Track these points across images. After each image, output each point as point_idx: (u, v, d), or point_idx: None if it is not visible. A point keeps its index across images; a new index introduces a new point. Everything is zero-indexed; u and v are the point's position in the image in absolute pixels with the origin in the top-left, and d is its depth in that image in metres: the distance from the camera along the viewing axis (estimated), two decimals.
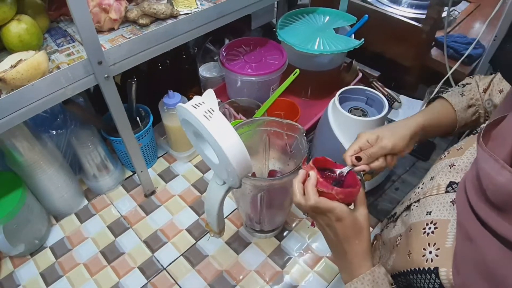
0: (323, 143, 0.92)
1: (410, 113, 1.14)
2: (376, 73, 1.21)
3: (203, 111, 0.52)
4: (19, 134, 0.72)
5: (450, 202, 0.49)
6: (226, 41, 1.26)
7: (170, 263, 0.81)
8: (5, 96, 0.57)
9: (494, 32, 0.88)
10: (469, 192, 0.44)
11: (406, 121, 0.67)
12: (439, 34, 1.24)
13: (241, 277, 0.78)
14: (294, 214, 0.89)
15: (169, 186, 0.97)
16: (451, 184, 0.52)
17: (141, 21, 0.75)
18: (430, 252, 0.46)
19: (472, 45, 0.98)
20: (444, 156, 0.61)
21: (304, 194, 0.54)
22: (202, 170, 1.00)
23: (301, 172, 0.55)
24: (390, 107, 1.16)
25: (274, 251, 0.83)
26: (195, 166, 1.01)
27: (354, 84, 1.17)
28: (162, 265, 0.80)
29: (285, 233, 0.86)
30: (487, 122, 0.53)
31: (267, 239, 0.85)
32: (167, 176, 0.99)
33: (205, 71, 1.20)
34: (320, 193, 0.53)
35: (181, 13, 0.78)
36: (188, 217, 0.89)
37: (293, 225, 0.87)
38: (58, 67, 0.65)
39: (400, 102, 1.15)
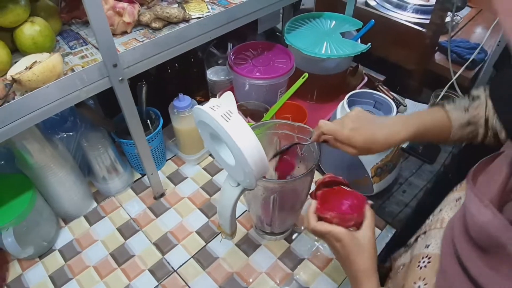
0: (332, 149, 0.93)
1: None
2: (381, 77, 1.22)
3: (221, 113, 0.52)
4: (30, 136, 0.72)
5: None
6: (230, 45, 1.27)
7: (181, 265, 0.81)
8: (19, 97, 0.58)
9: (497, 38, 0.89)
10: (455, 229, 0.44)
11: (406, 122, 0.62)
12: (442, 39, 1.25)
13: (251, 279, 0.78)
14: (304, 216, 0.90)
15: (178, 188, 0.97)
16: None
17: (153, 24, 0.75)
18: (419, 287, 0.47)
19: (477, 51, 0.99)
20: (456, 189, 0.60)
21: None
22: (211, 172, 1.01)
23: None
24: (396, 111, 1.17)
25: (284, 253, 0.83)
26: (204, 168, 1.02)
27: (360, 88, 1.18)
28: (172, 267, 0.81)
29: (294, 236, 0.86)
30: (480, 160, 0.51)
31: (277, 241, 0.85)
32: (176, 178, 0.99)
33: (213, 74, 1.21)
34: (324, 218, 0.58)
35: (193, 17, 0.79)
36: (198, 219, 0.90)
37: (302, 227, 0.88)
38: (72, 70, 0.66)
39: (405, 106, 1.16)
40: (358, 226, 0.57)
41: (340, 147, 0.64)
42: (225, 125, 0.51)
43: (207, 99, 1.18)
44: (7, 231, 0.72)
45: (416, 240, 0.59)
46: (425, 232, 0.56)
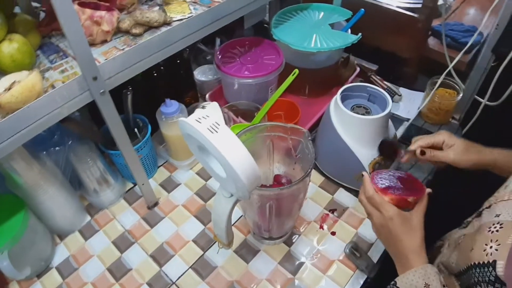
0: (327, 144, 0.91)
1: (411, 105, 1.14)
2: (374, 67, 1.19)
3: (207, 126, 0.50)
4: (17, 156, 0.70)
5: None
6: (218, 40, 1.23)
7: (179, 277, 0.79)
8: (1, 121, 0.55)
9: (495, 20, 0.86)
10: None
11: (483, 149, 0.70)
12: (435, 23, 1.22)
13: (252, 287, 0.77)
14: (302, 218, 0.88)
15: (171, 196, 0.94)
16: None
17: (134, 30, 0.72)
18: (491, 247, 0.47)
19: (476, 34, 0.95)
20: None
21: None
22: (205, 177, 0.98)
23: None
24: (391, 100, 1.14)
25: (284, 258, 0.81)
26: (197, 173, 0.99)
27: (352, 79, 1.15)
28: (171, 279, 0.79)
29: (294, 238, 0.84)
30: None
31: (276, 245, 0.83)
32: (169, 186, 0.97)
33: (200, 74, 1.17)
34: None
35: (174, 19, 0.75)
36: (194, 227, 0.87)
37: (302, 229, 0.86)
38: (53, 86, 0.63)
39: (400, 95, 1.13)
40: (412, 207, 0.61)
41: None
42: (212, 139, 0.49)
43: (196, 100, 1.15)
44: (1, 254, 0.69)
45: (478, 216, 0.60)
46: (489, 207, 0.56)
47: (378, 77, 1.15)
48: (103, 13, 0.67)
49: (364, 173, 0.66)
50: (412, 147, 0.74)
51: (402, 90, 1.16)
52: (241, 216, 0.89)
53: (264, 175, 0.83)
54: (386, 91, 1.07)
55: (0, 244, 0.68)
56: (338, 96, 0.85)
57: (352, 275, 0.78)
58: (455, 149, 0.71)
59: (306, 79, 1.11)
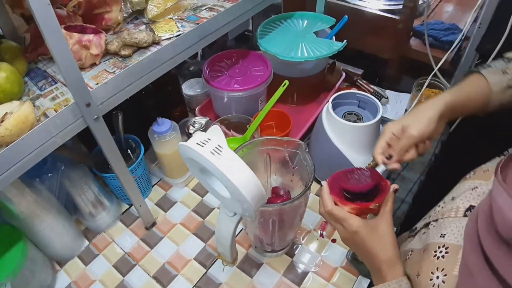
0: (321, 152, 0.91)
1: (399, 107, 1.16)
2: (359, 71, 1.21)
3: (210, 149, 0.50)
4: (10, 186, 0.68)
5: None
6: (200, 51, 1.23)
7: None
8: None
9: (478, 19, 0.88)
10: (480, 223, 0.43)
11: (433, 101, 0.61)
12: (415, 23, 1.25)
13: None
14: (302, 227, 0.88)
15: (169, 215, 0.93)
16: (470, 208, 0.51)
17: (123, 52, 0.71)
18: (438, 278, 0.46)
19: (460, 36, 0.96)
20: (469, 177, 0.59)
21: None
22: (201, 193, 0.97)
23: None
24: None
25: (287, 269, 0.81)
26: (193, 190, 0.99)
27: (339, 85, 1.17)
28: None
29: (295, 248, 0.85)
30: (509, 152, 0.52)
31: (279, 257, 0.83)
32: (165, 204, 0.96)
33: (188, 88, 1.17)
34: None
35: (163, 38, 0.75)
36: (194, 245, 0.87)
37: (302, 238, 0.86)
38: (45, 114, 0.61)
39: (387, 98, 1.15)
40: (377, 212, 0.55)
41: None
42: (217, 162, 0.49)
43: (185, 115, 1.14)
44: (5, 287, 0.67)
45: (426, 226, 0.58)
46: (436, 220, 0.55)
47: (364, 81, 1.17)
48: (91, 36, 0.66)
49: (323, 183, 0.59)
50: (378, 161, 0.63)
51: (388, 93, 1.18)
52: (241, 229, 0.89)
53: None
54: (373, 95, 1.09)
55: (3, 276, 0.67)
56: (329, 104, 0.86)
57: (355, 280, 0.78)
58: (409, 125, 0.60)
59: (294, 87, 1.11)
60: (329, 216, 0.57)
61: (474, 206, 0.50)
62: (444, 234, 0.50)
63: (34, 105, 0.63)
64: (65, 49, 0.53)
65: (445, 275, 0.45)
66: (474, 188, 0.53)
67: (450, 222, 0.51)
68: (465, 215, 0.50)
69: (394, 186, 0.57)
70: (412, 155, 0.61)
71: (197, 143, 0.51)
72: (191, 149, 0.50)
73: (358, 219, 0.54)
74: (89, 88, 0.61)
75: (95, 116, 0.63)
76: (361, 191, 0.57)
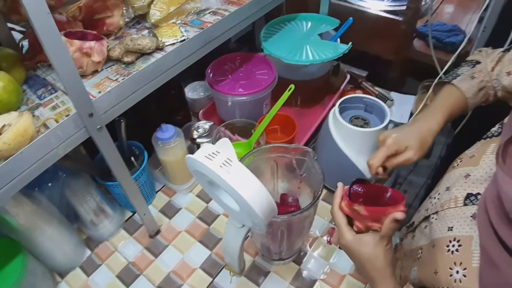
0: (328, 157, 0.90)
1: (404, 110, 1.14)
2: (364, 73, 1.19)
3: (219, 163, 0.48)
4: (11, 200, 0.66)
5: (471, 216, 0.48)
6: None
7: None
8: None
9: (482, 21, 0.86)
10: (491, 212, 0.43)
11: (430, 126, 0.65)
12: (418, 24, 1.23)
13: None
14: (309, 233, 0.87)
15: (173, 222, 0.92)
16: (468, 196, 0.51)
17: (125, 59, 0.69)
18: (458, 272, 0.45)
19: (466, 40, 0.94)
20: (457, 165, 0.59)
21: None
22: (206, 200, 0.96)
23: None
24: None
25: (295, 277, 0.80)
26: (198, 196, 0.97)
27: (343, 87, 1.15)
28: None
29: (302, 256, 0.83)
30: (503, 138, 0.51)
31: (286, 265, 0.82)
32: (169, 211, 0.94)
33: (191, 92, 1.15)
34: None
35: (167, 44, 0.73)
36: (200, 253, 0.85)
37: (309, 245, 0.85)
38: (45, 125, 0.59)
39: (392, 100, 1.14)
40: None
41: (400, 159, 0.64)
42: (226, 177, 0.47)
43: (188, 119, 1.12)
44: None
45: (425, 220, 0.58)
46: (436, 212, 0.54)
47: (369, 83, 1.15)
48: (92, 43, 0.64)
49: (338, 184, 0.59)
50: (372, 172, 0.64)
51: (393, 95, 1.16)
52: (248, 236, 0.87)
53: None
54: (379, 97, 1.07)
55: None
56: (336, 109, 0.84)
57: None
58: (412, 148, 0.63)
59: (298, 90, 1.09)
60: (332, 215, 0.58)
61: (471, 194, 0.50)
62: (451, 227, 0.49)
63: (33, 115, 0.61)
64: (66, 59, 0.52)
65: (465, 268, 0.45)
66: (467, 175, 0.53)
67: (452, 213, 0.51)
68: (465, 204, 0.50)
69: (396, 215, 0.51)
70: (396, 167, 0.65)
71: (205, 156, 0.49)
72: (200, 163, 0.49)
73: (351, 233, 0.55)
74: (91, 97, 0.59)
75: (98, 126, 0.61)
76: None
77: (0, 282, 0.66)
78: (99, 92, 0.63)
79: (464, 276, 0.44)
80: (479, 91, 0.68)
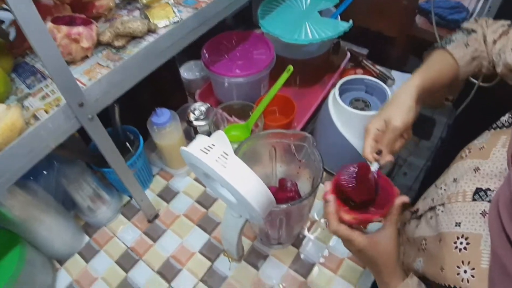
0: (327, 139, 0.88)
1: None
2: (364, 51, 1.16)
3: (215, 157, 0.46)
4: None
5: (480, 213, 0.47)
6: None
7: None
8: None
9: (488, 2, 0.83)
10: (504, 218, 0.41)
11: (405, 88, 0.61)
12: (421, 0, 1.19)
13: None
14: (308, 217, 0.87)
15: (171, 206, 0.91)
16: (478, 191, 0.49)
17: (116, 43, 0.66)
18: (465, 272, 0.45)
19: (472, 19, 0.91)
20: (466, 156, 0.57)
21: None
22: (203, 183, 0.95)
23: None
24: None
25: (294, 261, 0.80)
26: (195, 179, 0.96)
27: (343, 66, 1.12)
28: None
29: (301, 239, 0.83)
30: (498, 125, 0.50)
31: (285, 249, 0.82)
32: (167, 195, 0.93)
33: (187, 71, 1.12)
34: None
35: (159, 26, 0.70)
36: (199, 237, 0.85)
37: (308, 229, 0.85)
38: (35, 116, 0.57)
39: (393, 79, 1.11)
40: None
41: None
42: (222, 172, 0.45)
43: (185, 101, 1.10)
44: None
45: (431, 210, 0.57)
46: (443, 204, 0.54)
47: (370, 61, 1.12)
48: (80, 29, 0.61)
49: (329, 197, 0.54)
50: (370, 160, 0.59)
51: (395, 73, 1.13)
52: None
53: (267, 179, 0.81)
54: (379, 76, 1.05)
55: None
56: (336, 91, 0.82)
57: (362, 271, 0.78)
58: (391, 118, 0.59)
59: (297, 70, 1.05)
60: (336, 234, 0.54)
61: (481, 189, 0.49)
62: (459, 223, 0.48)
63: (22, 106, 0.59)
64: (53, 50, 0.49)
65: (473, 268, 0.44)
66: (476, 169, 0.52)
67: (460, 208, 0.50)
68: (474, 199, 0.49)
69: (403, 199, 0.52)
70: (401, 144, 0.61)
71: (201, 150, 0.47)
72: (194, 157, 0.47)
73: (361, 239, 0.52)
74: (81, 86, 0.57)
75: (90, 116, 0.59)
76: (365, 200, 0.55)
77: None
78: (90, 79, 0.60)
79: (472, 276, 0.43)
80: (473, 60, 0.65)
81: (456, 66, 0.64)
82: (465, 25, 0.69)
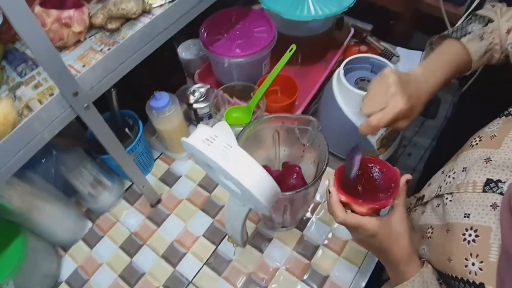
0: (331, 121, 0.86)
1: (410, 66, 1.06)
2: (368, 27, 1.11)
3: (219, 149, 0.45)
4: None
5: (490, 206, 0.46)
6: None
7: (195, 275, 0.78)
8: None
9: None
10: None
11: (430, 85, 0.59)
12: None
13: (270, 277, 0.76)
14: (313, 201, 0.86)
15: (174, 190, 0.90)
16: (488, 182, 0.48)
17: (109, 26, 0.63)
18: (473, 264, 0.44)
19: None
20: (476, 144, 0.55)
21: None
22: (206, 172, 0.94)
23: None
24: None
25: (298, 243, 0.80)
26: (197, 163, 0.94)
27: (347, 42, 1.08)
28: (187, 279, 0.77)
29: (305, 221, 0.83)
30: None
31: (289, 231, 0.82)
32: (169, 179, 0.92)
33: (185, 51, 1.08)
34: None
35: (154, 6, 0.66)
36: (202, 221, 0.85)
37: (312, 211, 0.84)
38: (28, 107, 0.55)
39: (398, 56, 1.07)
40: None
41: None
42: (226, 165, 0.44)
43: (184, 82, 1.07)
44: (7, 285, 0.66)
45: (438, 197, 0.56)
46: (451, 193, 0.52)
47: (374, 38, 1.08)
48: (71, 12, 0.57)
49: (331, 188, 0.54)
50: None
51: (400, 50, 1.09)
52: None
53: (271, 163, 0.79)
54: (384, 53, 1.01)
55: (4, 275, 0.65)
56: (341, 71, 0.79)
57: (367, 253, 0.78)
58: (415, 109, 0.57)
59: (299, 47, 1.02)
60: (344, 224, 0.54)
61: (492, 180, 0.48)
62: (468, 214, 0.47)
63: (15, 96, 0.56)
64: (41, 37, 0.46)
65: (481, 261, 0.43)
66: (488, 159, 0.50)
67: (470, 199, 0.49)
68: (484, 191, 0.48)
69: (406, 177, 0.53)
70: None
71: (203, 141, 0.46)
72: (196, 149, 0.45)
73: (373, 222, 0.51)
74: (75, 73, 0.55)
75: (85, 105, 0.57)
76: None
77: (2, 265, 0.66)
78: (84, 65, 0.58)
79: (480, 269, 0.43)
80: (485, 53, 0.62)
81: (470, 60, 0.62)
82: (482, 12, 0.65)
